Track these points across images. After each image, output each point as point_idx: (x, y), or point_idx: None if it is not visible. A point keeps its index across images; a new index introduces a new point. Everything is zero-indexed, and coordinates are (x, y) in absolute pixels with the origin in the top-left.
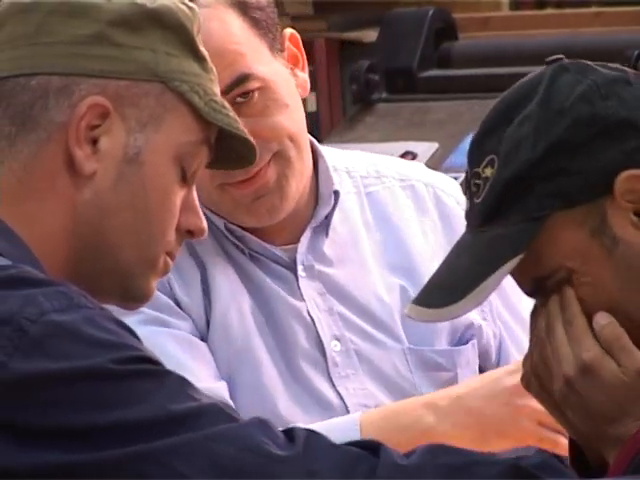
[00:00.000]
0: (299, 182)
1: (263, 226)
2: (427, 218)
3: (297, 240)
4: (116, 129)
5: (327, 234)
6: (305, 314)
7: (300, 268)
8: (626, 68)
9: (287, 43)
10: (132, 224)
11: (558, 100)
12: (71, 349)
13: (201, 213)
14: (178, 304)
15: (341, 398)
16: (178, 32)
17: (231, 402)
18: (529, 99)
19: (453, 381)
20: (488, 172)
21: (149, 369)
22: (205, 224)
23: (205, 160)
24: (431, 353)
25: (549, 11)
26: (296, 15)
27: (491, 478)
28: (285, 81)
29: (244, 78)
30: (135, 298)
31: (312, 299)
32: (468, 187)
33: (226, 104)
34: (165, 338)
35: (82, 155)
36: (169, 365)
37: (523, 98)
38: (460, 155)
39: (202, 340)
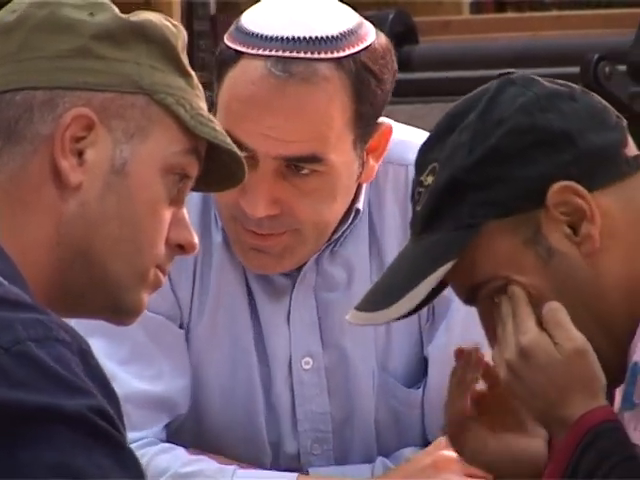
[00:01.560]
0: (303, 257)
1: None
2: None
3: None
4: (102, 141)
5: (335, 246)
6: (285, 327)
7: (301, 276)
8: (575, 85)
9: (377, 134)
10: (119, 235)
11: (498, 111)
12: (37, 384)
13: (192, 228)
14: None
15: (295, 423)
16: (162, 46)
17: (184, 405)
18: (472, 110)
19: (409, 419)
20: (429, 180)
21: (103, 426)
22: (196, 239)
23: (195, 172)
24: (393, 384)
25: (510, 14)
26: None
27: None
28: (349, 174)
29: (313, 159)
30: (127, 312)
31: (298, 309)
32: (412, 196)
33: (212, 118)
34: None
35: (67, 166)
36: (133, 350)
37: (468, 109)
38: None
39: (181, 324)
